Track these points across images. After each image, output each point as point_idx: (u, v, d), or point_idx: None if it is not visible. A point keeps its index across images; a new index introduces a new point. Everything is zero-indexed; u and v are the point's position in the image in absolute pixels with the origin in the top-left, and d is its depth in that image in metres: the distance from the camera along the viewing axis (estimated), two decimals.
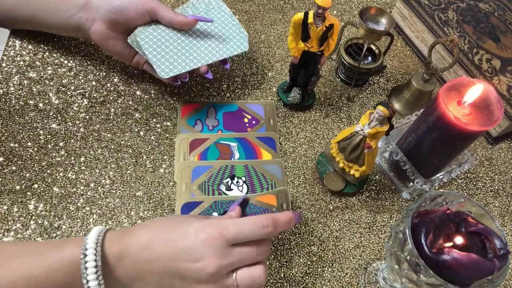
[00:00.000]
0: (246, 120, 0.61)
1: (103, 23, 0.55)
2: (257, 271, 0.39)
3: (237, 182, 0.55)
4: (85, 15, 0.56)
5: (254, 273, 0.38)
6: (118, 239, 0.38)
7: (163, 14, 0.55)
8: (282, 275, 0.49)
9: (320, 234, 0.52)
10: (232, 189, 0.54)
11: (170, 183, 0.54)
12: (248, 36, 0.60)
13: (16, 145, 0.54)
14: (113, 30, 0.56)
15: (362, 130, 0.48)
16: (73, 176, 0.53)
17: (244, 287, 0.38)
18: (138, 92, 0.61)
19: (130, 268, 0.37)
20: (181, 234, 0.38)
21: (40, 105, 0.58)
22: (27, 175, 0.52)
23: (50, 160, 0.54)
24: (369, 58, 0.67)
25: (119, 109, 0.59)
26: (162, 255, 0.37)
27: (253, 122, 0.61)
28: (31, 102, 0.58)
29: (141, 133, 0.58)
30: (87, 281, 0.35)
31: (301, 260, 0.50)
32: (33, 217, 0.49)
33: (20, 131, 0.55)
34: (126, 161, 0.55)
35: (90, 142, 0.56)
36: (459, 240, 0.36)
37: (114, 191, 0.53)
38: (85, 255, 0.35)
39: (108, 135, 0.57)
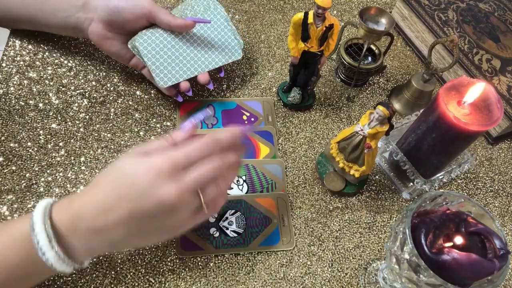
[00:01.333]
0: (245, 117, 0.61)
1: (100, 23, 0.55)
2: (221, 182, 0.39)
3: (237, 181, 0.55)
4: (83, 15, 0.56)
5: (219, 185, 0.39)
6: (67, 207, 0.37)
7: (161, 18, 0.54)
8: (282, 275, 0.49)
9: (320, 234, 0.52)
10: (232, 188, 0.54)
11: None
12: (242, 45, 0.61)
13: (16, 145, 0.54)
14: (110, 31, 0.56)
15: (362, 130, 0.48)
16: (73, 176, 0.53)
17: (211, 203, 0.39)
18: (138, 92, 0.61)
19: (90, 232, 0.37)
20: (132, 181, 0.36)
21: (40, 105, 0.58)
22: (27, 175, 0.52)
23: (50, 160, 0.54)
24: (369, 58, 0.67)
25: (119, 109, 0.59)
26: (120, 208, 0.36)
27: (252, 119, 0.61)
28: (31, 102, 0.58)
29: (141, 133, 0.58)
30: (43, 253, 0.35)
31: (301, 260, 0.50)
32: None
33: (20, 131, 0.55)
34: None
35: (90, 142, 0.56)
36: (459, 240, 0.36)
37: None
38: (34, 229, 0.35)
39: (108, 135, 0.57)
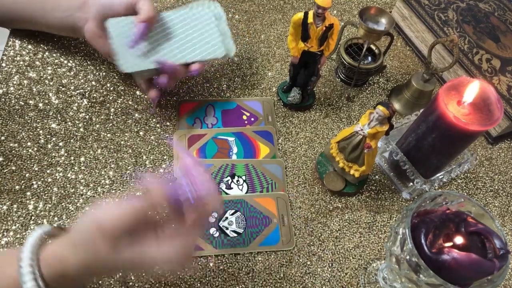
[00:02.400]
0: (245, 117, 0.61)
1: (94, 21, 0.55)
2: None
3: (237, 181, 0.55)
4: (82, 14, 0.56)
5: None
6: (55, 261, 0.37)
7: (141, 6, 0.53)
8: (282, 275, 0.49)
9: (320, 234, 0.52)
10: (232, 188, 0.54)
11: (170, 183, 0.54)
12: (232, 48, 0.57)
13: (16, 145, 0.54)
14: (103, 30, 0.55)
15: (362, 130, 0.48)
16: (73, 176, 0.53)
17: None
18: (138, 92, 0.61)
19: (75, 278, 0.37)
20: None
21: (40, 105, 0.58)
22: (27, 175, 0.52)
23: (49, 160, 0.54)
24: (369, 58, 0.67)
25: (119, 109, 0.59)
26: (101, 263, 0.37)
27: (252, 119, 0.61)
28: (31, 102, 0.58)
29: (141, 133, 0.58)
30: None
31: (301, 260, 0.50)
32: (33, 217, 0.49)
33: (20, 131, 0.55)
34: (126, 161, 0.55)
35: (90, 142, 0.56)
36: (459, 240, 0.36)
37: (113, 191, 0.53)
38: (25, 282, 0.35)
39: (108, 135, 0.57)
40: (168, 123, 0.59)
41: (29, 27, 0.61)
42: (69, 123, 0.57)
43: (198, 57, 0.55)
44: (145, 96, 0.61)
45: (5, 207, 0.50)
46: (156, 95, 0.56)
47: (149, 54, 0.53)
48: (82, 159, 0.54)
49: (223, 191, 0.54)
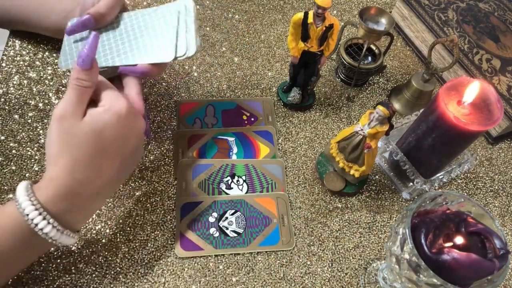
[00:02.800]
0: (245, 117, 0.61)
1: None
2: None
3: (238, 181, 0.55)
4: (76, 16, 0.56)
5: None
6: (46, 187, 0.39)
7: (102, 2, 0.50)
8: (282, 275, 0.49)
9: (320, 234, 0.52)
10: (232, 188, 0.54)
11: (170, 183, 0.54)
12: (195, 50, 0.48)
13: (16, 144, 0.54)
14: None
15: (362, 130, 0.48)
16: None
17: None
18: None
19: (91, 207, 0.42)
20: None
21: (40, 105, 0.58)
22: (27, 174, 0.52)
23: None
24: (369, 58, 0.67)
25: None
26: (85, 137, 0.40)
27: (252, 119, 0.61)
28: (31, 102, 0.58)
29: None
30: (45, 233, 0.38)
31: (301, 260, 0.50)
32: None
33: (20, 130, 0.55)
34: None
35: None
36: (459, 240, 0.36)
37: None
38: (32, 220, 0.37)
39: None
40: (168, 123, 0.59)
41: (26, 28, 0.61)
42: None
43: (143, 60, 0.48)
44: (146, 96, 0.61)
45: None
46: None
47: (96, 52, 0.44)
48: None
49: (223, 191, 0.54)
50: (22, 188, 0.38)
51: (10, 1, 0.57)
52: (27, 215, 0.37)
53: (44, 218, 0.37)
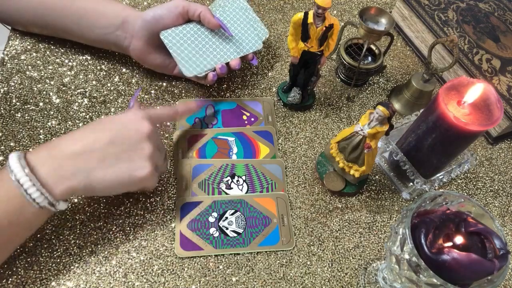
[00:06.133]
0: (245, 117, 0.61)
1: (140, 39, 0.56)
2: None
3: (237, 181, 0.55)
4: (122, 33, 0.57)
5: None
6: (45, 147, 0.42)
7: (195, 9, 0.56)
8: (282, 275, 0.49)
9: (320, 234, 0.52)
10: (232, 188, 0.54)
11: (170, 183, 0.54)
12: (267, 33, 0.63)
13: (16, 144, 0.54)
14: (151, 45, 0.57)
15: (362, 130, 0.48)
16: None
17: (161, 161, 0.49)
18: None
19: (63, 157, 0.41)
20: (113, 118, 0.45)
21: (41, 104, 0.58)
22: None
23: None
24: (369, 58, 0.67)
25: (119, 109, 0.59)
26: (100, 136, 0.43)
27: (252, 119, 0.61)
28: (31, 101, 0.58)
29: None
30: (25, 190, 0.39)
31: (301, 260, 0.50)
32: None
33: (21, 130, 0.55)
34: None
35: None
36: (459, 240, 0.36)
37: None
38: (26, 190, 0.39)
39: None
40: (168, 123, 0.59)
41: (65, 37, 0.62)
42: (70, 122, 0.57)
43: (240, 54, 0.59)
44: (145, 96, 0.61)
45: None
46: (213, 77, 0.58)
47: (205, 56, 0.58)
48: None
49: (223, 191, 0.54)
50: (15, 154, 0.40)
51: (48, 10, 0.57)
52: (16, 176, 0.39)
53: (30, 181, 0.39)
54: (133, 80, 0.62)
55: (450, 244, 0.37)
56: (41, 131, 0.56)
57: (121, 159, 0.43)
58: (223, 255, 0.49)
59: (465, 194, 0.59)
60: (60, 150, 0.42)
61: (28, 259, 0.46)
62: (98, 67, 0.63)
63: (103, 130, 0.44)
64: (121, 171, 0.43)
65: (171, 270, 0.48)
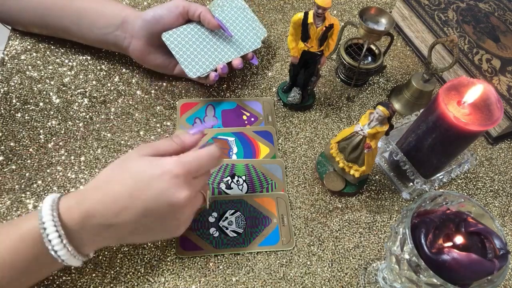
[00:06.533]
0: (245, 117, 0.61)
1: (140, 40, 0.56)
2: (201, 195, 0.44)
3: (237, 181, 0.55)
4: (122, 33, 0.57)
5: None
6: (77, 204, 0.38)
7: (195, 9, 0.56)
8: (282, 275, 0.49)
9: (320, 234, 0.52)
10: (232, 188, 0.54)
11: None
12: (265, 32, 0.63)
13: (16, 144, 0.54)
14: (151, 45, 0.57)
15: (362, 130, 0.48)
16: (73, 176, 0.53)
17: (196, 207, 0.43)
18: (138, 92, 0.61)
19: (100, 227, 0.38)
20: (148, 183, 0.38)
21: (41, 104, 0.58)
22: (27, 174, 0.52)
23: (50, 159, 0.54)
24: (369, 58, 0.67)
25: (119, 109, 0.59)
26: (133, 207, 0.38)
27: (252, 119, 0.61)
28: (31, 101, 0.58)
29: (141, 133, 0.58)
30: (55, 251, 0.37)
31: (301, 260, 0.50)
32: None
33: (21, 130, 0.55)
34: None
35: (90, 141, 0.56)
36: (459, 240, 0.36)
37: None
38: (45, 229, 0.36)
39: (108, 134, 0.57)
40: (168, 123, 0.59)
41: (63, 36, 0.62)
42: (70, 122, 0.57)
43: (240, 53, 0.60)
44: (145, 96, 0.61)
45: (4, 207, 0.50)
46: (215, 77, 0.58)
47: (207, 56, 0.58)
48: (82, 158, 0.54)
49: (223, 191, 0.54)
50: (48, 200, 0.38)
51: (47, 10, 0.57)
52: (50, 241, 0.37)
53: (59, 236, 0.37)
54: (133, 80, 0.62)
55: (450, 244, 0.37)
56: (41, 131, 0.56)
57: (153, 229, 0.41)
58: (223, 255, 0.49)
59: (465, 194, 0.59)
60: (94, 217, 0.38)
61: None
62: (98, 67, 0.63)
63: (138, 198, 0.38)
64: (153, 237, 0.44)
65: (171, 270, 0.48)
